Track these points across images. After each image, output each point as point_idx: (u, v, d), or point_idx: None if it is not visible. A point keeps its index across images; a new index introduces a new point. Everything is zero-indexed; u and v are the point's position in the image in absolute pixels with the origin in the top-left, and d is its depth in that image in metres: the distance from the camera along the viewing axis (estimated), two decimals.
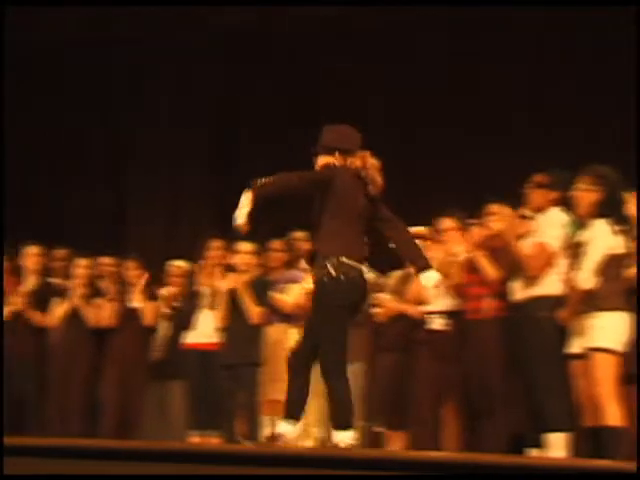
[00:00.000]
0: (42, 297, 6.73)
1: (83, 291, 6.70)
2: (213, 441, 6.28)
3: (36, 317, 6.70)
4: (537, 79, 7.70)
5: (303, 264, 6.86)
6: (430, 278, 4.49)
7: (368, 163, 4.55)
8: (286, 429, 4.52)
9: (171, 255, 7.10)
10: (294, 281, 6.58)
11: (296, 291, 6.52)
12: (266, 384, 6.29)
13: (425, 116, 7.89)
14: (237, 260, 6.44)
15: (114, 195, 8.85)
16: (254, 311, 6.31)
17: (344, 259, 4.39)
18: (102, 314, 6.70)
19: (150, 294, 6.75)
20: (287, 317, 6.51)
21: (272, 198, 4.40)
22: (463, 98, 7.77)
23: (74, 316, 6.67)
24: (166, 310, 6.79)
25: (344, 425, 4.43)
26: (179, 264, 6.92)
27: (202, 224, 8.13)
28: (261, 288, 6.39)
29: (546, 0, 7.22)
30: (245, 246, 6.41)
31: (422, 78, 7.91)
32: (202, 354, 6.42)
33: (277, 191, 4.41)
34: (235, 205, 4.32)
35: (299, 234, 6.94)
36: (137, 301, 6.71)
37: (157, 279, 6.86)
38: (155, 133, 8.81)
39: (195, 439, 6.33)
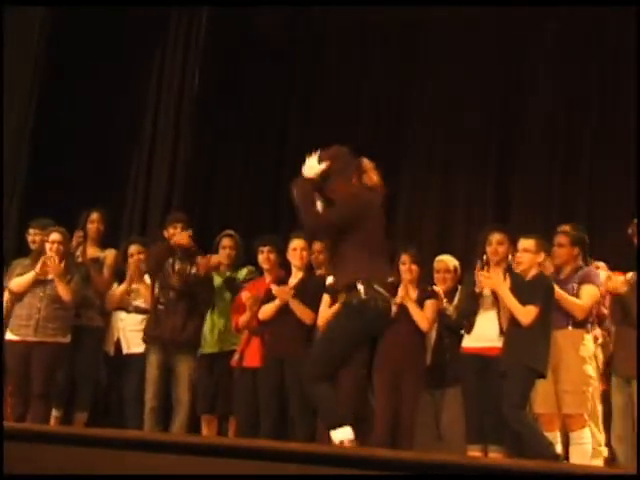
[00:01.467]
0: None
1: None
2: (493, 456, 5.79)
3: None
4: None
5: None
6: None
7: (374, 172, 4.83)
8: (344, 435, 4.63)
9: (443, 250, 6.74)
10: (588, 280, 6.00)
11: (589, 292, 5.98)
12: (550, 394, 5.83)
13: None
14: (518, 258, 5.86)
15: None
16: (521, 311, 5.67)
17: (376, 286, 4.61)
18: None
19: (425, 290, 6.32)
20: (580, 322, 5.95)
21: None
22: None
23: None
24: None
25: (336, 424, 4.64)
26: (445, 258, 6.51)
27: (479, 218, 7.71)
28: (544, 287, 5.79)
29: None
30: (526, 242, 5.80)
31: None
32: (481, 360, 5.93)
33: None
34: None
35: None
36: (405, 298, 6.29)
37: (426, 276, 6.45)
38: None
39: (474, 454, 5.87)
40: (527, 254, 5.78)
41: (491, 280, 5.81)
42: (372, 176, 4.81)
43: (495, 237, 6.06)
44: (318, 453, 3.97)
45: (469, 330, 6.08)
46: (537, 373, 5.57)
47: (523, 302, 5.63)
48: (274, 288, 6.36)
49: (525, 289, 5.70)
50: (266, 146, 8.69)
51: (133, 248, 6.92)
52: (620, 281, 5.95)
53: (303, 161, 8.50)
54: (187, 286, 6.59)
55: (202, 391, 6.71)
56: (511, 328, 5.70)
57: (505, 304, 5.75)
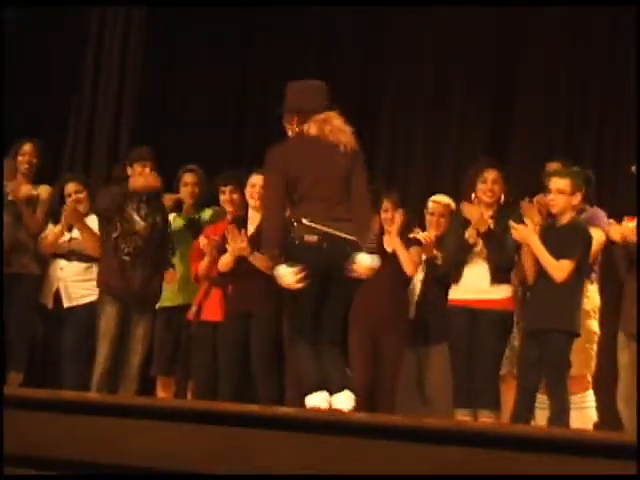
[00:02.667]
0: None
1: None
2: (484, 421, 5.33)
3: None
4: None
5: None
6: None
7: (331, 125, 4.56)
8: (319, 401, 4.45)
9: (432, 190, 6.21)
10: (592, 223, 5.49)
11: (594, 236, 5.38)
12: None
13: None
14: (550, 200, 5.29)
15: None
16: (555, 266, 5.15)
17: (305, 221, 4.46)
18: None
19: (408, 238, 5.80)
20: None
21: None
22: None
23: None
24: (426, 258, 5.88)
25: (310, 389, 4.48)
26: (443, 200, 5.98)
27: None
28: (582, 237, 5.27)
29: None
30: (560, 182, 5.22)
31: None
32: (470, 313, 5.51)
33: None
34: None
35: None
36: (392, 245, 5.77)
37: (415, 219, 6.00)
38: None
39: (464, 419, 5.41)
40: (562, 196, 5.23)
41: (520, 231, 5.29)
42: (311, 128, 4.61)
43: (491, 175, 5.58)
44: (281, 416, 3.83)
45: (457, 279, 5.62)
46: (574, 334, 5.19)
47: (556, 254, 5.14)
48: (229, 240, 5.74)
49: (559, 238, 5.20)
50: (227, 73, 8.14)
51: (71, 187, 6.26)
52: (630, 228, 5.39)
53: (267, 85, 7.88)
54: (156, 234, 5.98)
55: (159, 349, 6.17)
56: (541, 283, 5.23)
57: (533, 255, 5.25)
